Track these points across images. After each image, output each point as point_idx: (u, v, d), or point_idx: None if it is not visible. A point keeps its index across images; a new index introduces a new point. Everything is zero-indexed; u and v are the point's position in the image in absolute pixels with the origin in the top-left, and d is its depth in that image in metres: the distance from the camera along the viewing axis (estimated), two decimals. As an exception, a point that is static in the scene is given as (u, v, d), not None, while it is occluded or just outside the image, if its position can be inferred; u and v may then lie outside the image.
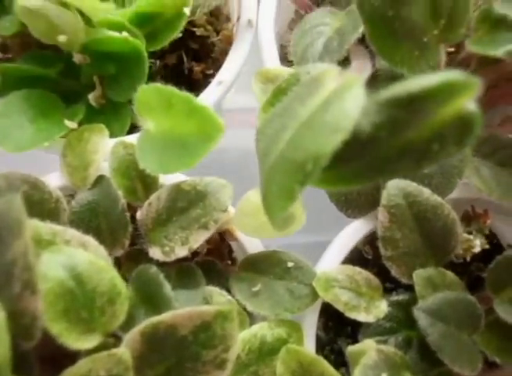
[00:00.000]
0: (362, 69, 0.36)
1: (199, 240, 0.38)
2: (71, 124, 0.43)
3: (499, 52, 0.39)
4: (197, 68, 0.51)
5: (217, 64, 0.48)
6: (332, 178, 0.25)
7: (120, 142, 0.43)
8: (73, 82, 0.47)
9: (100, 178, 0.43)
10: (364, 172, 0.24)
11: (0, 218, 0.27)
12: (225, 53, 0.48)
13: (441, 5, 0.37)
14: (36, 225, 0.32)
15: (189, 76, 0.52)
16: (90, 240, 0.33)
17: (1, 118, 0.42)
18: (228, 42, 0.48)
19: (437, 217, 0.41)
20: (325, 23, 0.46)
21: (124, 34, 0.42)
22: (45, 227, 0.32)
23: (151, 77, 0.46)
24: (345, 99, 0.25)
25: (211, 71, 0.51)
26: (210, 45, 0.48)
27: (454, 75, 0.23)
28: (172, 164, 0.36)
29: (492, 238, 0.46)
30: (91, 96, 0.46)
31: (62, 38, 0.42)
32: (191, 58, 0.50)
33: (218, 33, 0.47)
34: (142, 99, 0.38)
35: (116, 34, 0.42)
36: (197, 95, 0.47)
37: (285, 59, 0.50)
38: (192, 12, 0.41)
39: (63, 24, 0.41)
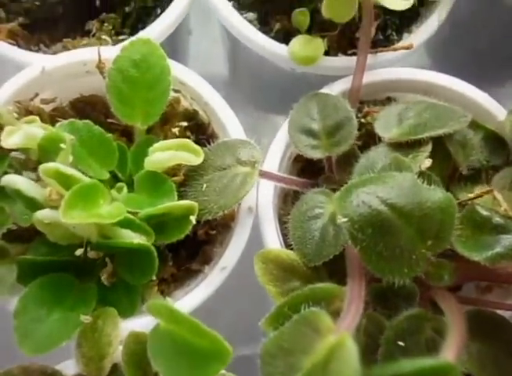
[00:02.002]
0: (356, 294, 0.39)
1: None
2: (86, 319, 0.46)
3: (482, 257, 0.43)
4: (201, 231, 0.55)
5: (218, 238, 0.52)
6: None
7: (132, 334, 0.45)
8: (85, 262, 0.50)
9: (115, 368, 0.46)
10: None
11: None
12: (227, 227, 0.52)
13: (429, 229, 0.40)
14: None
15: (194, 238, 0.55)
16: None
17: (19, 316, 0.45)
18: (231, 218, 0.51)
19: None
20: (320, 204, 0.49)
21: (136, 236, 0.45)
22: None
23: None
24: (343, 361, 0.29)
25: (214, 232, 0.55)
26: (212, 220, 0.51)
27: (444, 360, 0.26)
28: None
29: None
30: (103, 277, 0.49)
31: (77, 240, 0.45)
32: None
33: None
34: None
35: (129, 235, 0.45)
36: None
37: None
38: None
39: (78, 231, 0.44)
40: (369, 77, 0.53)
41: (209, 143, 0.54)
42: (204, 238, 0.55)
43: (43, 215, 0.44)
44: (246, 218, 0.49)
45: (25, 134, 0.45)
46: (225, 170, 0.46)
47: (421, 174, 0.46)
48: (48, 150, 0.46)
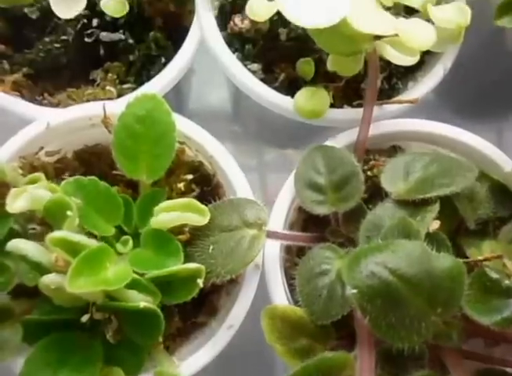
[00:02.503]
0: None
1: None
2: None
3: (490, 321, 0.43)
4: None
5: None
6: None
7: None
8: (91, 321, 0.50)
9: None
10: None
11: None
12: (233, 280, 0.52)
13: (438, 298, 0.40)
14: None
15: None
16: None
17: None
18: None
19: None
20: (327, 260, 0.49)
21: (142, 297, 0.45)
22: None
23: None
24: None
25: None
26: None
27: None
28: None
29: None
30: (108, 334, 0.49)
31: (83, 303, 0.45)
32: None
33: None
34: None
35: (135, 297, 0.45)
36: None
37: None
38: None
39: (84, 295, 0.44)
40: (374, 130, 0.53)
41: (214, 195, 0.54)
42: (210, 289, 0.55)
43: (50, 280, 0.44)
44: (253, 276, 0.49)
45: (31, 197, 0.45)
46: (231, 231, 0.46)
47: (429, 235, 0.46)
48: (54, 213, 0.46)
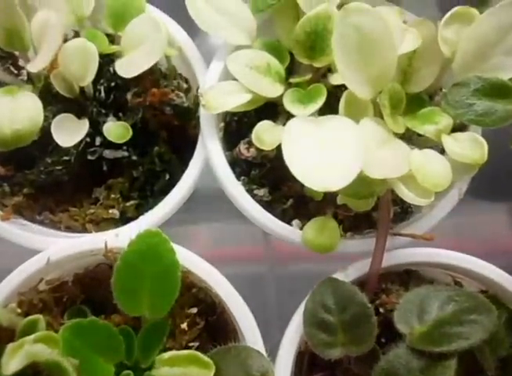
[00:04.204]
0: None
1: None
2: None
3: None
4: None
5: None
6: None
7: None
8: None
9: None
10: None
11: None
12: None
13: None
14: None
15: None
16: None
17: None
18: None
19: None
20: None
21: None
22: None
23: None
24: None
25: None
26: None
27: None
28: None
29: None
30: None
31: None
32: None
33: None
34: None
35: None
36: None
37: None
38: None
39: None
40: (387, 261, 0.51)
41: (220, 323, 0.52)
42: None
43: None
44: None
45: (27, 354, 0.43)
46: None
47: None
48: (52, 371, 0.44)
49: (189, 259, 0.51)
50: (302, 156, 0.42)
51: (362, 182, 0.46)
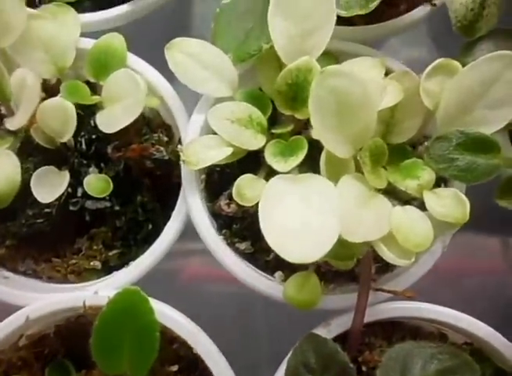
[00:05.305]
0: None
1: None
2: None
3: None
4: None
5: None
6: None
7: None
8: None
9: None
10: None
11: None
12: None
13: None
14: None
15: None
16: None
17: None
18: None
19: None
20: None
21: None
22: None
23: None
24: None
25: None
26: None
27: None
28: None
29: None
30: None
31: None
32: None
33: None
34: None
35: None
36: None
37: None
38: None
39: None
40: (368, 316, 0.50)
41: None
42: None
43: None
44: None
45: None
46: None
47: None
48: None
49: (168, 316, 0.51)
50: (277, 226, 0.41)
51: (342, 245, 0.45)
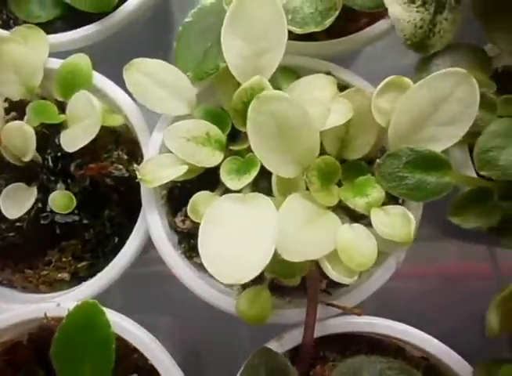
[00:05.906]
0: None
1: None
2: None
3: None
4: None
5: None
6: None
7: None
8: None
9: None
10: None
11: None
12: None
13: None
14: None
15: None
16: None
17: None
18: None
19: None
20: None
21: None
22: None
23: None
24: None
25: None
26: None
27: None
28: None
29: None
30: None
31: None
32: None
33: None
34: None
35: None
36: None
37: None
38: None
39: None
40: (319, 331, 0.51)
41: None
42: None
43: None
44: None
45: None
46: None
47: None
48: None
49: (125, 328, 0.53)
50: (213, 250, 0.42)
51: (283, 264, 0.47)
